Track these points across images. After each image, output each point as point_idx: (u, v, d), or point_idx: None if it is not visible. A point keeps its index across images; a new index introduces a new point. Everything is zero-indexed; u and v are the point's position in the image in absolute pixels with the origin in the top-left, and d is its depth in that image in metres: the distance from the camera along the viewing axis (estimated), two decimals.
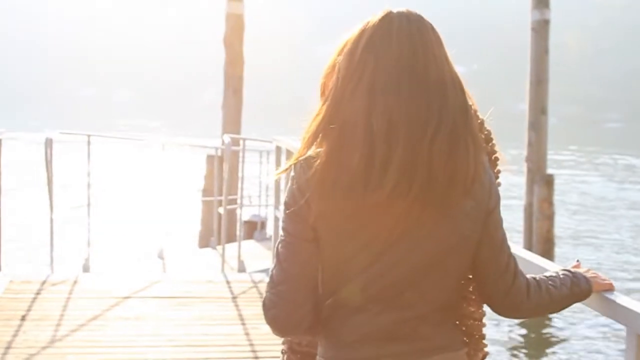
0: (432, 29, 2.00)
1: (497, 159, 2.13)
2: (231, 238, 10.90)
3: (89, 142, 8.38)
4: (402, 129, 1.89)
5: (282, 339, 2.25)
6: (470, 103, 2.00)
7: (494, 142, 2.13)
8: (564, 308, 2.18)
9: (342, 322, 1.99)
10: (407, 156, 1.89)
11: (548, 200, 13.44)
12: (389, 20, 1.97)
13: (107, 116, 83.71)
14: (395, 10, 2.00)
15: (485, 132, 2.11)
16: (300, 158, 1.98)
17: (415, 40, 1.95)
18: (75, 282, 7.06)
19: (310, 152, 1.97)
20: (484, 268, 2.04)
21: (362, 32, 1.98)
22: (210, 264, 9.06)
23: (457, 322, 2.10)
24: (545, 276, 2.16)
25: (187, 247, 13.01)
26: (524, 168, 13.79)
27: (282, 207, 2.04)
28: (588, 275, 2.22)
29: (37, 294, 6.60)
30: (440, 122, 1.91)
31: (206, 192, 13.14)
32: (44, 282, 6.97)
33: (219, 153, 10.69)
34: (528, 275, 2.13)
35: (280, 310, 1.98)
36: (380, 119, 1.89)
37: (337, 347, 2.00)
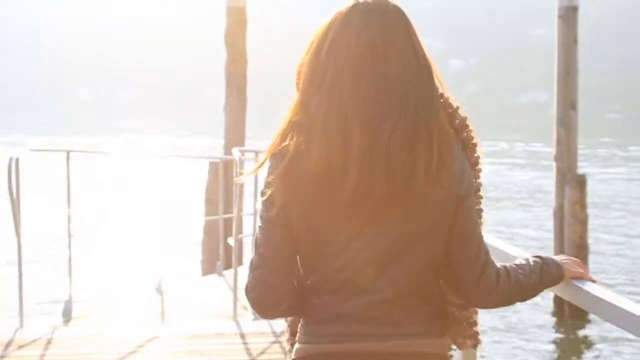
0: (399, 17, 2.02)
1: (474, 145, 2.10)
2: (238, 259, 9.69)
3: (68, 159, 6.96)
4: (358, 129, 1.94)
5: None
6: (439, 92, 2.04)
7: (470, 128, 2.10)
8: (534, 295, 2.17)
9: (317, 302, 2.07)
10: (364, 156, 1.94)
11: (580, 203, 12.48)
12: (351, 16, 2.00)
13: (108, 117, 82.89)
14: (361, 0, 2.03)
15: (459, 120, 2.08)
16: (275, 150, 2.04)
17: (374, 37, 1.98)
18: (49, 342, 5.69)
19: (283, 145, 2.02)
20: (453, 257, 2.05)
21: (327, 30, 2.02)
22: (219, 301, 7.65)
23: (439, 311, 2.10)
24: (516, 264, 2.14)
25: (189, 274, 11.68)
26: (553, 168, 12.78)
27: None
28: (560, 260, 2.20)
29: None
30: (399, 117, 1.95)
31: (209, 202, 12.07)
32: (8, 345, 5.60)
33: (221, 162, 9.49)
34: (498, 264, 2.12)
35: (258, 292, 2.08)
36: (336, 120, 1.95)
37: (310, 324, 2.09)
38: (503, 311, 11.64)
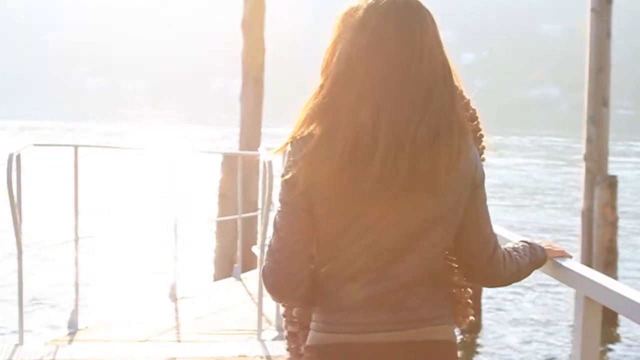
0: (431, 17, 2.10)
1: (481, 136, 2.23)
2: (251, 262, 8.98)
3: (76, 154, 6.23)
4: (386, 124, 2.00)
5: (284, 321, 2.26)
6: (456, 85, 2.11)
7: (479, 120, 2.22)
8: (527, 276, 2.32)
9: (334, 289, 2.09)
10: (389, 150, 1.99)
11: (611, 205, 11.99)
12: (390, 11, 2.05)
13: (117, 106, 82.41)
14: None
15: (470, 112, 2.20)
16: (297, 136, 2.06)
17: (414, 34, 2.05)
18: None
19: (306, 131, 2.04)
20: (469, 238, 2.15)
21: (364, 22, 2.05)
22: (239, 310, 6.96)
23: (446, 292, 2.18)
24: (511, 247, 2.30)
25: (204, 277, 11.04)
26: (582, 167, 12.26)
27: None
28: (543, 245, 2.41)
29: None
30: (424, 114, 2.02)
31: (223, 197, 11.52)
32: None
33: (241, 157, 8.81)
34: None
35: (277, 276, 2.07)
36: (367, 108, 2.00)
37: (328, 313, 2.10)
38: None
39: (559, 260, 2.43)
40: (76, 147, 6.31)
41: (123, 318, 6.77)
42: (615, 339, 10.87)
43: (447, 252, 2.18)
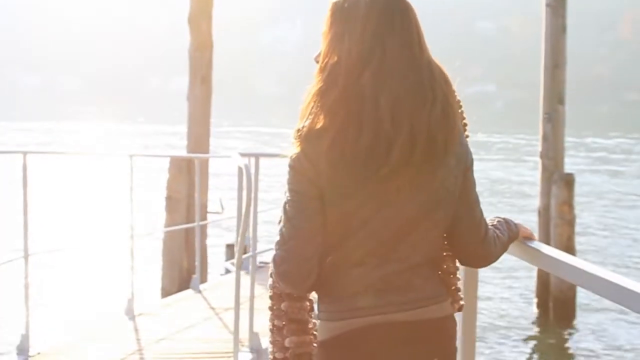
0: (413, 12, 2.20)
1: (466, 124, 2.30)
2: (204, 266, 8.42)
3: (24, 162, 5.62)
4: (406, 110, 2.08)
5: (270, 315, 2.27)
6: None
7: (463, 109, 2.29)
8: (505, 252, 2.42)
9: (343, 275, 2.14)
10: (410, 133, 2.07)
11: (568, 203, 11.92)
12: (392, 5, 2.14)
13: (52, 104, 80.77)
14: None
15: (457, 100, 2.26)
16: (303, 128, 2.10)
17: (412, 25, 2.16)
18: None
19: (307, 123, 2.10)
20: (463, 220, 2.23)
21: (368, 14, 2.12)
22: (205, 328, 6.43)
23: (441, 276, 2.27)
24: (492, 225, 2.37)
25: (158, 289, 10.45)
26: (539, 165, 12.11)
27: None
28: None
29: None
30: (434, 96, 2.12)
31: (171, 200, 11.06)
32: None
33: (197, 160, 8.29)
34: None
35: (290, 264, 2.11)
36: (385, 102, 2.07)
37: (339, 299, 2.14)
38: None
39: (528, 243, 2.48)
40: (25, 153, 5.76)
41: (79, 341, 6.18)
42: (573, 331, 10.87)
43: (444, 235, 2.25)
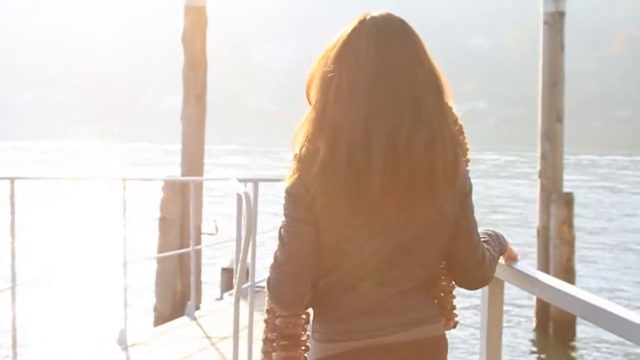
0: (404, 30, 2.19)
1: (467, 149, 2.31)
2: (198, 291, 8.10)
3: (12, 188, 5.39)
4: (377, 134, 2.09)
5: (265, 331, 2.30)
6: (446, 100, 2.19)
7: (464, 134, 2.30)
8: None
9: (336, 298, 2.17)
10: (387, 158, 2.09)
11: (568, 223, 11.72)
12: (360, 30, 2.17)
13: (45, 121, 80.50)
14: (369, 16, 2.20)
15: (457, 127, 2.27)
16: (301, 152, 2.15)
17: (382, 46, 2.15)
18: None
19: (311, 147, 2.13)
20: (461, 245, 2.25)
21: (337, 44, 2.18)
22: (198, 359, 6.20)
23: (433, 295, 2.32)
24: (483, 240, 2.37)
25: (156, 314, 10.16)
26: (537, 184, 11.94)
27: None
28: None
29: None
30: (416, 123, 2.10)
31: (165, 221, 10.84)
32: None
33: (193, 184, 8.02)
34: None
35: (285, 288, 2.14)
36: (356, 126, 2.10)
37: (333, 322, 2.18)
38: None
39: (515, 265, 2.52)
40: (12, 179, 5.51)
41: None
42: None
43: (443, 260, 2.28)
